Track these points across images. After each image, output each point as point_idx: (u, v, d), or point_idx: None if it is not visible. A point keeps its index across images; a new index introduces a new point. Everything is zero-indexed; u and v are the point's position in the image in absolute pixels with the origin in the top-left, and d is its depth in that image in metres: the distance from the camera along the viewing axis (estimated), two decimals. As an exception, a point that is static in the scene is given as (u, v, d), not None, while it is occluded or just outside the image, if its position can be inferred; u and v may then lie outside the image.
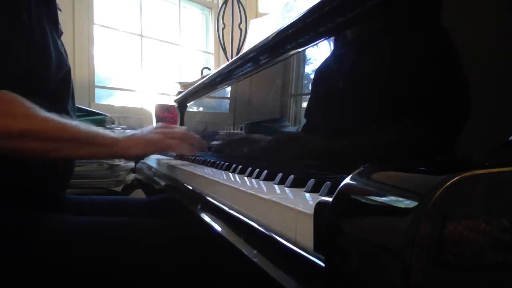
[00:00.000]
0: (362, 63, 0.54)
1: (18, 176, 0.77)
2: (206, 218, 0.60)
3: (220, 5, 1.96)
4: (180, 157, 1.29)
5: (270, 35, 0.75)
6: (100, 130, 0.83)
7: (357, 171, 0.29)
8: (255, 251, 0.42)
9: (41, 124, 0.70)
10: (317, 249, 0.33)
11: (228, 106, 1.11)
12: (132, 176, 1.70)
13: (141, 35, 2.48)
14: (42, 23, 0.77)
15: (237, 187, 0.54)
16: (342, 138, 0.57)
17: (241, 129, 0.92)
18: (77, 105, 1.72)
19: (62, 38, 0.93)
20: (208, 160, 1.02)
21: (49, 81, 0.78)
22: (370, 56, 0.53)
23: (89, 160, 1.03)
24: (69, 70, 0.86)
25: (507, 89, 0.35)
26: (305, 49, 0.69)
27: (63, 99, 0.86)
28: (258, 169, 0.67)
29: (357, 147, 0.53)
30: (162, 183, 1.04)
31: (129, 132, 0.94)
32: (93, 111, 1.64)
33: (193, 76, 2.30)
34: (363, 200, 0.26)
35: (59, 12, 0.89)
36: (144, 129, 0.91)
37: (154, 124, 2.08)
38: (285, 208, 0.39)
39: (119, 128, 1.11)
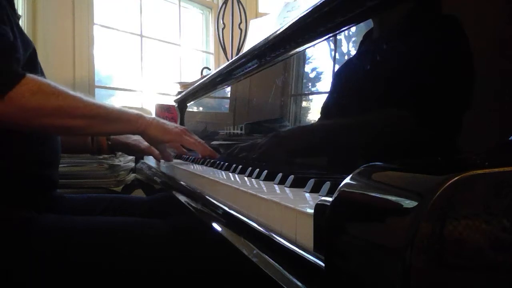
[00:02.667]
0: (362, 63, 0.54)
1: (7, 164, 0.77)
2: (206, 218, 0.60)
3: (220, 5, 1.96)
4: (180, 157, 1.29)
5: (270, 35, 0.75)
6: (123, 108, 0.88)
7: (357, 171, 0.29)
8: (255, 251, 0.42)
9: (73, 102, 0.74)
10: (317, 249, 0.33)
11: (228, 106, 1.11)
12: (132, 176, 1.70)
13: (141, 35, 2.48)
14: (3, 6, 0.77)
15: (237, 187, 0.54)
16: (342, 138, 0.57)
17: (241, 129, 0.92)
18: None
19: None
20: (208, 160, 1.02)
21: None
22: (370, 56, 0.53)
23: (114, 135, 1.08)
24: (34, 51, 0.87)
25: (507, 89, 0.35)
26: (305, 49, 0.69)
27: None
28: (258, 169, 0.67)
29: (357, 147, 0.53)
30: (162, 183, 1.04)
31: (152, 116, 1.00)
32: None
33: (193, 76, 2.30)
34: (363, 200, 0.26)
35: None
36: (167, 122, 0.96)
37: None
38: (285, 208, 0.39)
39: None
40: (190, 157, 1.17)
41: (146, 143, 1.11)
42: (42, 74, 0.90)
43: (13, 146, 0.77)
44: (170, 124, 0.95)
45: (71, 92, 0.74)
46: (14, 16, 0.82)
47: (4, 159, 0.75)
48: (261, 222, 0.45)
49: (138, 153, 1.26)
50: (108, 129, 0.84)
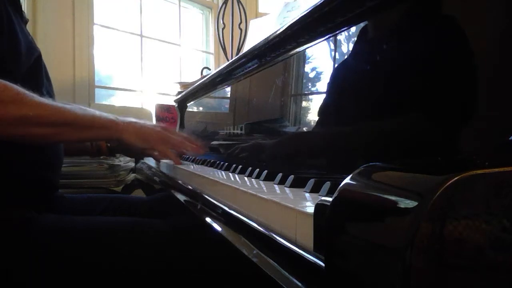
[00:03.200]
0: (362, 63, 0.54)
1: (8, 165, 0.77)
2: (206, 218, 0.60)
3: (220, 5, 1.96)
4: (179, 156, 1.28)
5: (271, 35, 0.75)
6: (96, 112, 0.83)
7: (357, 171, 0.29)
8: (255, 251, 0.42)
9: (37, 109, 0.70)
10: (317, 249, 0.33)
11: (228, 106, 1.11)
12: (132, 176, 1.70)
13: (141, 35, 2.48)
14: (6, 9, 0.76)
15: (237, 187, 0.54)
16: (342, 138, 0.57)
17: (241, 129, 0.92)
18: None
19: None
20: (208, 160, 1.02)
21: (20, 66, 0.77)
22: (370, 56, 0.53)
23: (88, 142, 1.02)
24: (40, 55, 0.86)
25: (507, 89, 0.35)
26: (305, 49, 0.69)
27: (37, 84, 0.85)
28: (258, 169, 0.67)
29: (357, 147, 0.53)
30: (162, 182, 1.04)
31: (128, 118, 0.93)
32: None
33: (193, 76, 2.30)
34: (363, 200, 0.26)
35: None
36: (147, 122, 0.90)
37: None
38: (285, 208, 0.39)
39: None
40: (190, 157, 1.17)
41: None
42: (47, 79, 0.90)
43: (15, 148, 0.77)
44: (149, 128, 0.88)
45: (35, 98, 0.70)
46: (19, 19, 0.81)
47: (6, 160, 0.75)
48: (261, 222, 0.45)
49: (138, 155, 1.24)
50: (80, 136, 0.79)
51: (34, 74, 0.83)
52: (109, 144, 1.12)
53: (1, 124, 0.66)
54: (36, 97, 0.70)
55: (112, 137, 0.82)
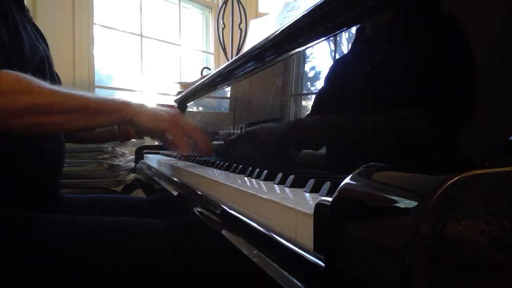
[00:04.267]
0: (362, 63, 0.54)
1: (11, 168, 0.77)
2: (206, 218, 0.60)
3: (220, 5, 1.96)
4: (180, 157, 1.29)
5: (271, 35, 0.75)
6: (106, 96, 0.82)
7: (357, 171, 0.29)
8: (255, 251, 0.42)
9: (48, 98, 0.69)
10: (317, 249, 0.33)
11: (228, 106, 1.11)
12: (132, 176, 1.70)
13: (141, 35, 2.48)
14: (10, 8, 0.75)
15: (237, 187, 0.54)
16: (342, 138, 0.57)
17: (241, 129, 0.92)
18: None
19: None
20: (208, 160, 1.02)
21: (24, 66, 0.76)
22: (371, 56, 0.53)
23: (102, 127, 0.96)
24: (44, 56, 0.85)
25: (507, 89, 0.35)
26: (305, 49, 0.69)
27: None
28: (258, 169, 0.67)
29: (357, 147, 0.53)
30: (162, 183, 1.04)
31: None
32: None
33: (193, 76, 2.30)
34: (363, 200, 0.26)
35: None
36: (157, 107, 0.88)
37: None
38: (285, 208, 0.39)
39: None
40: (191, 157, 1.17)
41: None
42: (53, 80, 0.89)
43: (17, 150, 0.77)
44: (161, 110, 0.85)
45: (47, 86, 0.70)
46: (22, 18, 0.81)
47: (8, 162, 0.75)
48: (261, 222, 0.45)
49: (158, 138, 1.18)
50: (91, 123, 0.77)
51: (38, 75, 0.82)
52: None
53: (14, 114, 0.66)
54: (47, 85, 0.70)
55: (125, 120, 0.80)
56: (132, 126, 0.83)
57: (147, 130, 0.83)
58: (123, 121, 0.81)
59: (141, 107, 0.82)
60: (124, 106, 0.79)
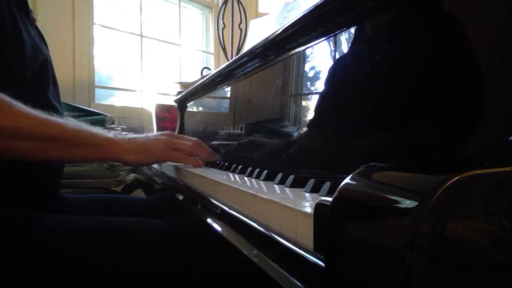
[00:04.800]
0: (362, 63, 0.54)
1: (12, 169, 0.76)
2: (206, 218, 0.60)
3: (220, 5, 1.96)
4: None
5: (270, 35, 0.75)
6: (93, 129, 0.75)
7: (357, 171, 0.29)
8: (255, 251, 0.42)
9: (19, 121, 0.63)
10: (317, 249, 0.33)
11: (228, 106, 1.11)
12: (132, 176, 1.70)
13: (141, 35, 2.48)
14: (11, 10, 0.73)
15: (237, 187, 0.54)
16: (342, 138, 0.57)
17: (241, 129, 0.92)
18: (77, 105, 1.72)
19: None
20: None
21: (26, 69, 0.73)
22: (371, 56, 0.53)
23: (81, 162, 0.90)
24: (46, 59, 0.82)
25: (507, 89, 0.35)
26: (305, 49, 0.69)
27: (43, 88, 0.82)
28: (258, 169, 0.67)
29: (357, 147, 0.53)
30: (162, 183, 1.04)
31: (129, 134, 0.87)
32: (93, 111, 1.65)
33: (193, 76, 2.30)
34: (363, 200, 0.26)
35: None
36: (149, 134, 0.83)
37: (155, 125, 2.09)
38: (285, 208, 0.39)
39: (119, 128, 1.11)
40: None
41: None
42: (54, 84, 0.88)
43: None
44: (153, 139, 0.79)
45: (20, 108, 0.63)
46: (25, 20, 0.80)
47: (7, 163, 0.75)
48: (261, 222, 0.45)
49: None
50: (67, 155, 0.70)
51: (40, 78, 0.80)
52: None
53: None
54: (22, 107, 0.63)
55: (109, 159, 0.74)
56: (124, 164, 0.76)
57: (141, 165, 0.78)
58: (106, 159, 0.75)
59: (129, 142, 0.75)
60: (107, 143, 0.72)
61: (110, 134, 0.75)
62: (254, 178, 0.65)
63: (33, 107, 0.67)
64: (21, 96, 0.66)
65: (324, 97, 0.63)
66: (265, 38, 0.77)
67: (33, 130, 0.65)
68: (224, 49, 1.91)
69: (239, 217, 0.51)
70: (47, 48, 0.91)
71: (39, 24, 0.94)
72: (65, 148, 0.69)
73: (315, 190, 0.47)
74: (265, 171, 0.63)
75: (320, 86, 0.66)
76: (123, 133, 1.09)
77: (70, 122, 0.72)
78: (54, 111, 0.75)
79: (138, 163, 0.76)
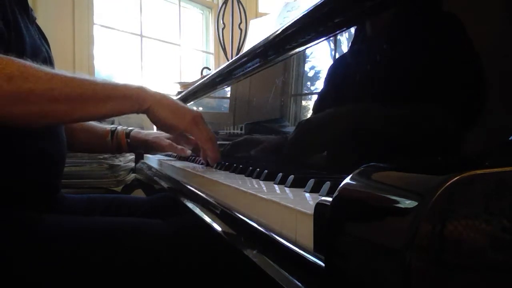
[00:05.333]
0: (362, 63, 0.54)
1: (12, 169, 0.76)
2: (206, 218, 0.60)
3: (220, 5, 1.96)
4: (180, 157, 1.29)
5: (270, 35, 0.75)
6: (120, 82, 0.73)
7: (357, 171, 0.29)
8: (255, 251, 0.42)
9: (47, 83, 0.61)
10: (317, 249, 0.33)
11: (228, 106, 1.11)
12: (132, 176, 1.70)
13: (141, 35, 2.48)
14: (12, 8, 0.73)
15: (237, 187, 0.54)
16: (342, 138, 0.57)
17: (241, 129, 0.92)
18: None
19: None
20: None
21: None
22: (371, 56, 0.53)
23: (113, 116, 0.88)
24: (47, 58, 0.81)
25: (507, 89, 0.35)
26: (305, 49, 0.69)
27: None
28: (258, 169, 0.67)
29: (357, 147, 0.53)
30: (162, 183, 1.04)
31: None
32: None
33: (193, 76, 2.30)
34: (363, 200, 0.26)
35: None
36: (179, 102, 0.79)
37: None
38: (285, 208, 0.39)
39: (120, 127, 1.11)
40: (191, 157, 1.17)
41: (168, 141, 1.03)
42: None
43: (18, 152, 0.76)
44: (183, 106, 0.76)
45: (45, 70, 0.62)
46: (25, 18, 0.79)
47: (8, 164, 0.75)
48: (261, 222, 0.45)
49: (159, 151, 1.13)
50: (99, 111, 0.67)
51: None
52: (129, 140, 1.05)
53: (4, 101, 0.58)
54: (46, 69, 0.62)
55: (141, 109, 0.70)
56: (148, 116, 0.73)
57: (166, 125, 0.73)
58: (138, 110, 0.71)
59: (162, 96, 0.72)
60: (140, 93, 0.70)
61: (139, 85, 0.73)
62: (254, 178, 0.65)
63: None
64: None
65: (324, 96, 0.63)
66: (265, 38, 0.77)
67: (65, 90, 0.63)
68: (224, 49, 1.90)
69: (239, 217, 0.51)
70: (49, 47, 0.91)
71: (39, 24, 0.93)
72: (98, 104, 0.67)
73: (315, 190, 0.47)
74: (265, 171, 0.63)
75: (320, 86, 0.66)
76: (124, 127, 1.09)
77: (97, 78, 0.69)
78: None
79: (166, 121, 0.71)
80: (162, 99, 0.72)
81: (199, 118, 0.77)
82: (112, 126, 1.09)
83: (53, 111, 0.63)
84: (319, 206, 0.33)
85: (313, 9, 0.60)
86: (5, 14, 0.70)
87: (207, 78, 1.19)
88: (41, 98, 0.61)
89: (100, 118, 0.87)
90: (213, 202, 0.62)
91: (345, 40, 0.59)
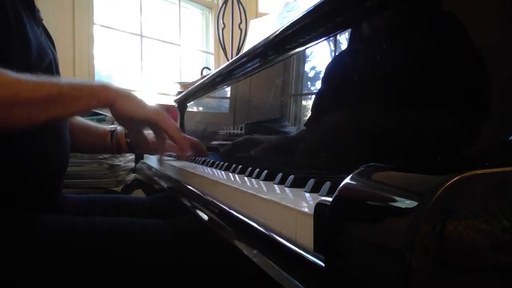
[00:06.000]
0: (362, 63, 0.54)
1: (14, 170, 0.76)
2: (206, 218, 0.60)
3: (220, 5, 1.96)
4: (179, 157, 1.29)
5: (270, 35, 0.75)
6: (86, 81, 0.75)
7: (357, 171, 0.29)
8: (255, 251, 0.42)
9: (13, 88, 0.62)
10: (317, 249, 0.33)
11: (228, 106, 1.11)
12: (132, 176, 1.70)
13: (141, 35, 2.48)
14: (16, 8, 0.73)
15: (237, 187, 0.54)
16: (342, 138, 0.57)
17: (241, 129, 0.92)
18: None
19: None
20: (208, 160, 1.02)
21: (31, 70, 0.71)
22: (371, 56, 0.53)
23: (80, 113, 0.88)
24: (52, 60, 0.82)
25: (507, 89, 0.35)
26: (305, 49, 0.69)
27: None
28: (258, 169, 0.67)
29: (357, 147, 0.53)
30: (162, 183, 1.04)
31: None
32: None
33: (193, 76, 2.30)
34: (363, 200, 0.26)
35: None
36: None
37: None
38: (285, 208, 0.39)
39: (119, 127, 1.11)
40: (191, 157, 1.17)
41: (168, 141, 1.04)
42: None
43: (20, 155, 0.76)
44: (147, 103, 0.78)
45: (10, 74, 0.62)
46: (31, 20, 0.78)
47: (8, 164, 0.75)
48: (261, 222, 0.45)
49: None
50: (66, 111, 0.70)
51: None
52: (128, 140, 1.05)
53: None
54: (10, 73, 0.62)
55: (106, 104, 0.72)
56: (112, 113, 0.74)
57: (130, 117, 0.74)
58: (103, 105, 0.73)
59: (127, 92, 0.74)
60: (103, 89, 0.72)
61: (105, 82, 0.75)
62: (254, 178, 0.65)
63: None
64: None
65: (324, 96, 0.63)
66: (265, 38, 0.77)
67: (30, 94, 0.64)
68: (224, 49, 1.90)
69: (239, 217, 0.51)
70: (54, 48, 0.91)
71: (39, 23, 0.93)
72: (65, 103, 0.68)
73: (315, 190, 0.47)
74: (265, 171, 0.63)
75: (320, 86, 0.66)
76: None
77: (62, 78, 0.71)
78: None
79: (130, 113, 0.73)
80: (127, 94, 0.74)
81: (163, 111, 0.79)
82: (111, 126, 1.08)
83: (19, 115, 0.64)
84: (319, 206, 0.33)
85: (313, 9, 0.60)
86: (6, 16, 0.70)
87: (207, 78, 1.19)
88: (5, 104, 0.62)
89: (69, 116, 0.89)
90: (213, 202, 0.62)
91: (345, 40, 0.59)
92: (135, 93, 0.78)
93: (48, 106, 0.66)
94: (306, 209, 0.36)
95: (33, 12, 0.82)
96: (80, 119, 1.05)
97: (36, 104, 0.65)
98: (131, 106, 0.73)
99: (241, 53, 0.93)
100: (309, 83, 0.69)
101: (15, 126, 0.65)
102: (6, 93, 0.61)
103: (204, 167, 0.93)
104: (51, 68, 0.82)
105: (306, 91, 0.70)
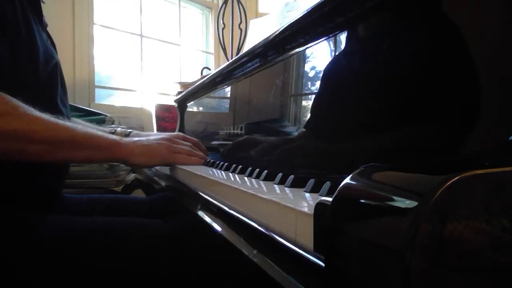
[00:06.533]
0: (362, 63, 0.54)
1: (15, 172, 0.76)
2: (206, 218, 0.60)
3: (220, 5, 1.96)
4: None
5: (271, 35, 0.75)
6: (99, 132, 0.79)
7: (357, 171, 0.29)
8: (255, 251, 0.42)
9: (30, 124, 0.66)
10: (317, 249, 0.33)
11: (228, 106, 1.11)
12: (132, 176, 1.70)
13: (141, 35, 2.48)
14: (26, 15, 0.74)
15: (237, 187, 0.54)
16: (342, 138, 0.57)
17: (241, 129, 0.92)
18: (77, 105, 1.72)
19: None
20: (208, 160, 1.02)
21: (38, 75, 0.75)
22: (370, 56, 0.53)
23: (87, 163, 0.95)
24: (56, 63, 0.84)
25: (507, 89, 0.35)
26: (305, 49, 0.69)
27: (52, 93, 0.84)
28: (258, 169, 0.67)
29: (357, 147, 0.53)
30: (162, 183, 1.04)
31: (132, 137, 0.90)
32: (93, 111, 1.65)
33: (193, 76, 2.30)
34: (363, 200, 0.26)
35: (42, 4, 0.84)
36: (150, 137, 0.87)
37: (155, 125, 2.09)
38: (285, 208, 0.39)
39: (119, 129, 1.10)
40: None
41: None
42: (62, 87, 0.88)
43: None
44: (153, 141, 0.84)
45: (32, 112, 0.66)
46: (38, 25, 0.79)
47: (9, 164, 0.75)
48: (261, 222, 0.45)
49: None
50: (75, 157, 0.75)
51: (50, 83, 0.81)
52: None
53: None
54: (32, 111, 0.67)
55: (117, 160, 0.79)
56: (128, 165, 0.82)
57: (146, 167, 0.85)
58: (113, 161, 0.80)
59: (134, 145, 0.79)
60: (114, 146, 0.77)
61: (115, 136, 0.80)
62: (254, 178, 0.65)
63: (41, 111, 0.69)
64: (31, 100, 0.68)
65: (324, 96, 0.63)
66: (265, 38, 0.77)
67: (45, 134, 0.68)
68: (224, 49, 1.91)
69: (239, 217, 0.50)
70: (57, 52, 0.91)
71: (39, 24, 0.93)
72: (74, 150, 0.73)
73: (315, 190, 0.47)
74: (265, 171, 0.63)
75: (320, 86, 0.66)
76: (123, 128, 1.09)
77: (78, 125, 0.75)
78: (61, 115, 0.76)
79: (145, 165, 0.82)
80: (134, 149, 0.79)
81: (172, 146, 0.86)
82: (111, 127, 1.09)
83: (31, 151, 0.67)
84: (319, 206, 0.33)
85: (313, 9, 0.60)
86: (17, 24, 0.71)
87: (207, 78, 1.19)
88: (23, 138, 0.66)
89: (77, 163, 0.98)
90: (213, 202, 0.62)
91: (345, 40, 0.59)
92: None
93: (59, 149, 0.71)
94: (306, 209, 0.36)
95: (41, 18, 0.82)
96: (80, 121, 1.05)
97: (48, 145, 0.69)
98: (145, 160, 0.80)
99: (241, 53, 0.93)
100: (309, 83, 0.69)
101: (24, 159, 0.69)
102: (27, 129, 0.65)
103: (204, 167, 0.93)
104: (55, 71, 0.84)
105: (306, 91, 0.70)
